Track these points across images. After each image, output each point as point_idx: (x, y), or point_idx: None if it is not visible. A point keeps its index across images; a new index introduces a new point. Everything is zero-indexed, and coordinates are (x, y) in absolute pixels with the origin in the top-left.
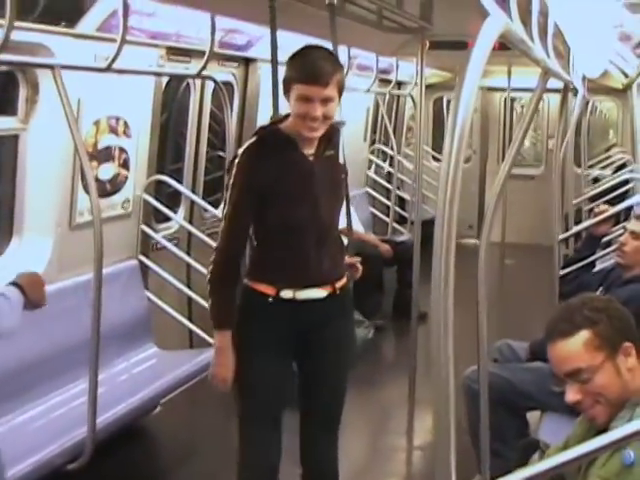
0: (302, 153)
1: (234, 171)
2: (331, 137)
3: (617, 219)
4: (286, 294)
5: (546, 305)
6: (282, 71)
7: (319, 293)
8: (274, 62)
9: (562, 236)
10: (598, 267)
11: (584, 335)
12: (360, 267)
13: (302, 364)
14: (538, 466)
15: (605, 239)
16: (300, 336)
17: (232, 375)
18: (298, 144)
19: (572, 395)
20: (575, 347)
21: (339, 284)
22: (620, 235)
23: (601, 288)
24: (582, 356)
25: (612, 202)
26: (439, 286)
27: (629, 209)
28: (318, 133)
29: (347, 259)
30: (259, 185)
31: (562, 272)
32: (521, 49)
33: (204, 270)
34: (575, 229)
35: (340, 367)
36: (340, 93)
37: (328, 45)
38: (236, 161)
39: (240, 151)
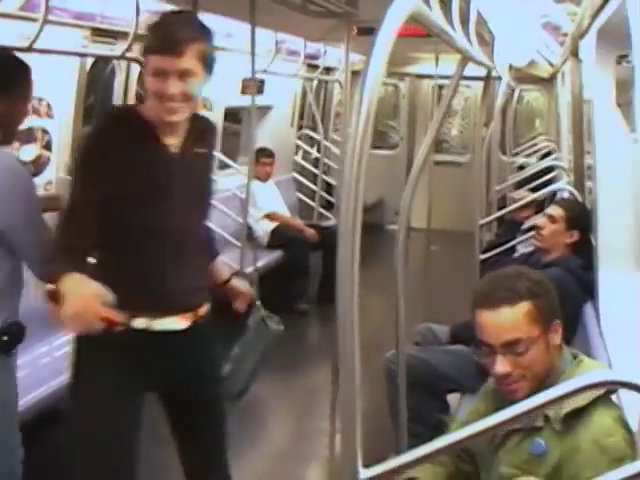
0: (162, 143)
1: (77, 158)
2: (204, 132)
3: (542, 206)
4: (138, 323)
5: (467, 290)
6: None
7: (178, 324)
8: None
9: (482, 221)
10: (518, 252)
11: (526, 306)
12: (249, 298)
13: (166, 406)
14: (440, 440)
15: (526, 225)
16: (157, 375)
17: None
18: (157, 131)
19: (503, 367)
20: (517, 317)
21: (202, 311)
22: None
23: None
24: (523, 327)
25: (537, 189)
26: (345, 273)
27: (555, 196)
28: (179, 116)
29: (237, 286)
30: (104, 180)
31: (482, 257)
32: (434, 32)
33: None
34: (495, 215)
35: (210, 406)
36: (206, 66)
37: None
38: (81, 146)
39: (87, 133)
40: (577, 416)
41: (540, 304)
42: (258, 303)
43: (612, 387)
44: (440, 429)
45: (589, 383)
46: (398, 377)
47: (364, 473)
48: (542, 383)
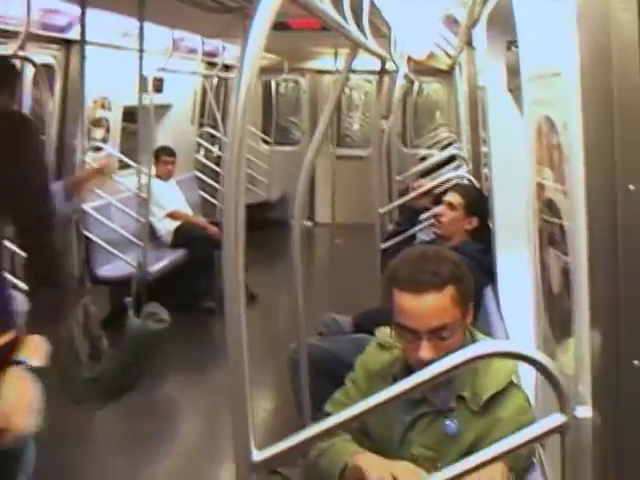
0: None
1: None
2: None
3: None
4: None
5: (369, 279)
6: (99, 52)
7: None
8: (82, 42)
9: (382, 210)
10: (418, 240)
11: (450, 290)
12: None
13: None
14: (331, 419)
15: (426, 214)
16: None
17: None
18: None
19: (429, 353)
20: (444, 302)
21: None
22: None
23: None
24: (450, 311)
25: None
26: (230, 270)
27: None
28: None
29: None
30: None
31: (383, 246)
32: (319, 17)
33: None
34: (394, 203)
35: None
36: None
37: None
38: None
39: None
40: (492, 397)
41: (462, 287)
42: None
43: (501, 357)
44: None
45: (481, 353)
46: (300, 366)
47: (257, 455)
48: None
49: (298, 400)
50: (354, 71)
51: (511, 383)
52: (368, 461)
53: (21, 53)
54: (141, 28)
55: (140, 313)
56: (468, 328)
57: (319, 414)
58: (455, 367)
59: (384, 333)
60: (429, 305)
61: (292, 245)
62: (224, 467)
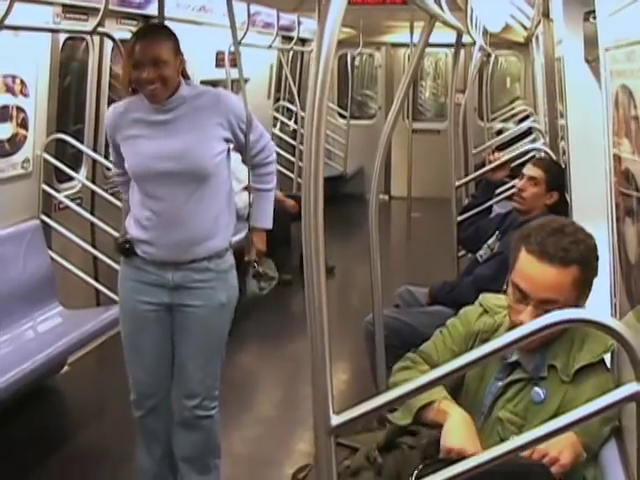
0: None
1: None
2: None
3: (519, 169)
4: None
5: (446, 252)
6: (176, 27)
7: None
8: (161, 17)
9: (458, 183)
10: (494, 213)
11: (574, 271)
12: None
13: None
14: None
15: (503, 187)
16: None
17: None
18: None
19: (528, 317)
20: (565, 279)
21: None
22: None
23: (497, 232)
24: (566, 290)
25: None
26: (309, 242)
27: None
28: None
29: None
30: None
31: (459, 218)
32: None
33: (108, 229)
34: (470, 176)
35: None
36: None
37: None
38: None
39: None
40: (583, 369)
41: (586, 272)
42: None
43: (578, 325)
44: None
45: (559, 320)
46: (376, 338)
47: (335, 419)
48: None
49: (374, 370)
50: (430, 44)
51: (603, 362)
52: (457, 420)
53: (101, 29)
54: (229, 3)
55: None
56: None
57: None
58: (537, 332)
59: (488, 299)
60: (549, 277)
61: (369, 218)
62: (298, 434)
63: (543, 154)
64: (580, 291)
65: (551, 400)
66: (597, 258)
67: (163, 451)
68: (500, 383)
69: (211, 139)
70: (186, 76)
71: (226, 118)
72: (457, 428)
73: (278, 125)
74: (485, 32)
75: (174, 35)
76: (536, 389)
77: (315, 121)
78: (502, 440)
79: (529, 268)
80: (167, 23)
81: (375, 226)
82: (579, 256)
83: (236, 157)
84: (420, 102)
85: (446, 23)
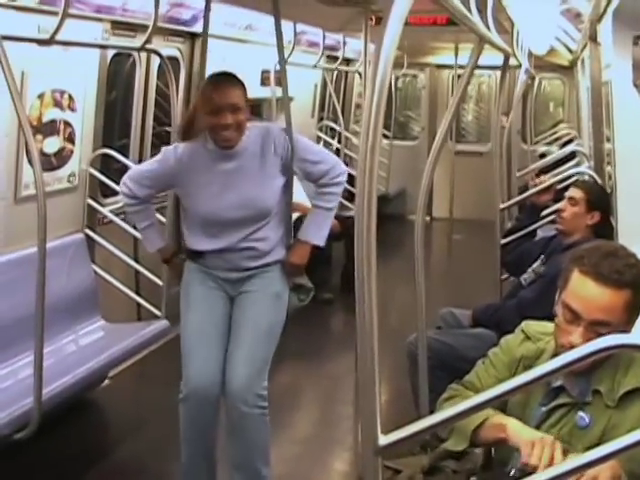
0: None
1: None
2: None
3: (563, 193)
4: None
5: (488, 274)
6: (222, 45)
7: None
8: (205, 34)
9: (503, 205)
10: (539, 236)
11: (627, 294)
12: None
13: None
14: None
15: (547, 210)
16: None
17: None
18: None
19: (580, 340)
20: (617, 302)
21: None
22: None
23: (542, 256)
24: (618, 313)
25: (558, 176)
26: (362, 263)
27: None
28: None
29: None
30: None
31: (503, 241)
32: (450, 12)
33: None
34: (515, 199)
35: None
36: None
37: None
38: None
39: None
40: (628, 395)
41: (637, 296)
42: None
43: (629, 350)
44: None
45: (613, 344)
46: (419, 359)
47: (383, 439)
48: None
49: (416, 392)
50: (478, 67)
51: None
52: (517, 423)
53: (148, 46)
54: (277, 22)
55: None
56: None
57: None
58: (589, 355)
59: (530, 326)
60: (602, 298)
61: (415, 239)
62: (337, 453)
63: (587, 177)
64: (630, 315)
65: (596, 425)
66: None
67: (203, 451)
68: (544, 408)
69: (273, 178)
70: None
71: (282, 154)
72: (522, 427)
73: (321, 144)
74: (530, 55)
75: (243, 82)
76: (581, 414)
77: (370, 142)
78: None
79: (583, 289)
80: (212, 41)
81: (420, 247)
82: (632, 279)
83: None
84: (462, 125)
85: (494, 45)
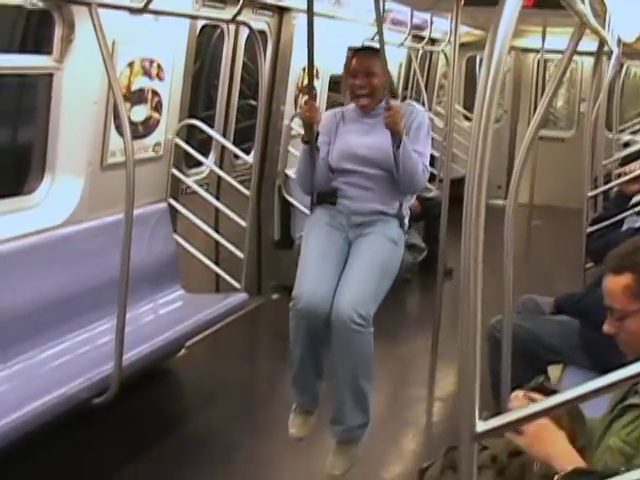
0: None
1: None
2: None
3: None
4: None
5: (572, 263)
6: (317, 21)
7: None
8: (310, 11)
9: (591, 193)
10: (625, 226)
11: (626, 279)
12: None
13: None
14: (551, 400)
15: (635, 199)
16: None
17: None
18: None
19: (607, 327)
20: (616, 287)
21: None
22: None
23: None
24: (618, 297)
25: None
26: (469, 244)
27: None
28: None
29: None
30: None
31: (589, 229)
32: None
33: (233, 215)
34: (604, 187)
35: None
36: None
37: None
38: None
39: None
40: None
41: None
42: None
43: None
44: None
45: None
46: (501, 344)
47: (480, 426)
48: None
49: (493, 378)
50: (577, 52)
51: None
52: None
53: (239, 18)
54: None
55: None
56: None
57: None
58: None
59: None
60: (605, 285)
61: (505, 225)
62: (410, 434)
63: None
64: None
65: None
66: None
67: (312, 360)
68: (619, 405)
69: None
70: (395, 95)
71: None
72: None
73: None
74: (619, 41)
75: (383, 55)
76: None
77: (483, 123)
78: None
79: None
80: (299, 15)
81: (510, 232)
82: (631, 264)
83: None
84: (552, 111)
85: (593, 30)
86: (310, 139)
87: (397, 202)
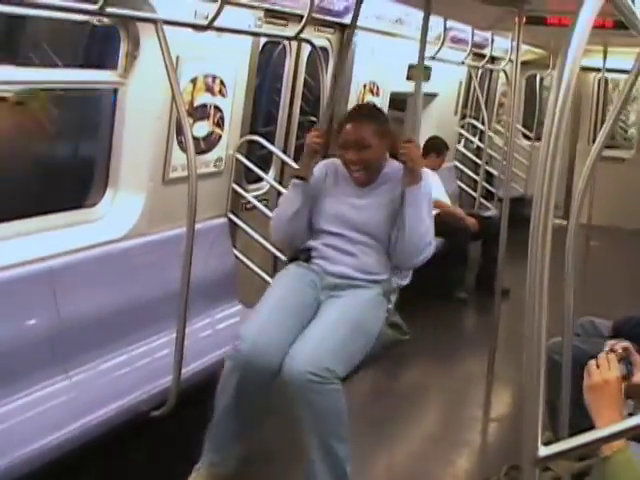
0: None
1: None
2: None
3: None
4: None
5: (631, 284)
6: (371, 38)
7: None
8: (352, 27)
9: None
10: None
11: None
12: None
13: None
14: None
15: None
16: None
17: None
18: None
19: None
20: None
21: None
22: None
23: None
24: None
25: None
26: (535, 264)
27: None
28: None
29: None
30: None
31: None
32: (625, 15)
33: None
34: None
35: None
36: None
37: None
38: None
39: None
40: None
41: None
42: (390, 307)
43: None
44: None
45: None
46: (560, 366)
47: (543, 450)
48: None
49: (551, 400)
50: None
51: None
52: None
53: (302, 35)
54: (426, 19)
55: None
56: None
57: (575, 419)
58: None
59: None
60: None
61: (566, 245)
62: (465, 455)
63: None
64: None
65: None
66: None
67: (239, 412)
68: None
69: (393, 212)
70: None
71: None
72: None
73: (462, 142)
74: None
75: (383, 117)
76: None
77: (552, 144)
78: None
79: None
80: (361, 33)
81: (572, 253)
82: None
83: (424, 170)
84: (620, 125)
85: None
86: (306, 174)
87: (383, 275)
